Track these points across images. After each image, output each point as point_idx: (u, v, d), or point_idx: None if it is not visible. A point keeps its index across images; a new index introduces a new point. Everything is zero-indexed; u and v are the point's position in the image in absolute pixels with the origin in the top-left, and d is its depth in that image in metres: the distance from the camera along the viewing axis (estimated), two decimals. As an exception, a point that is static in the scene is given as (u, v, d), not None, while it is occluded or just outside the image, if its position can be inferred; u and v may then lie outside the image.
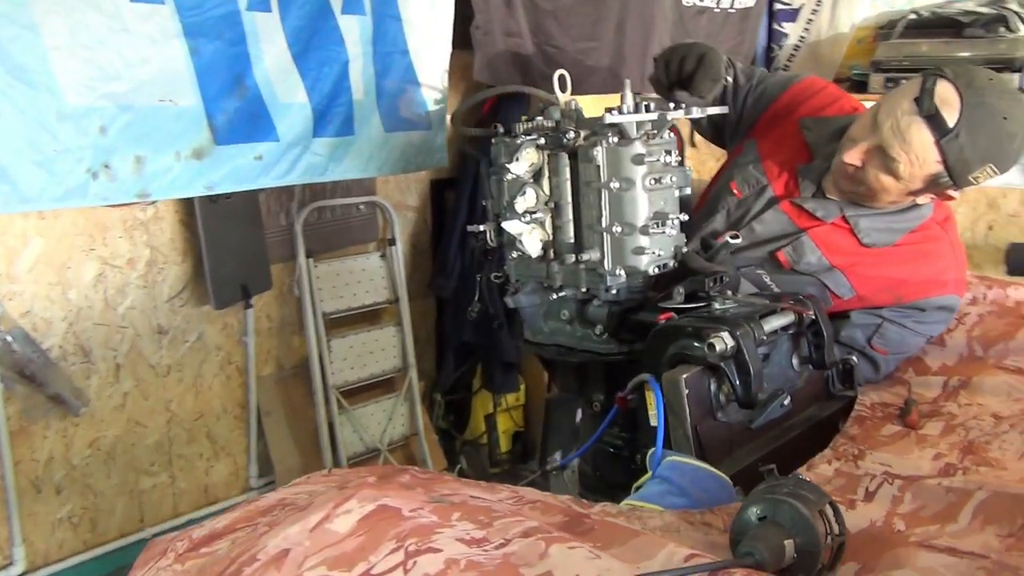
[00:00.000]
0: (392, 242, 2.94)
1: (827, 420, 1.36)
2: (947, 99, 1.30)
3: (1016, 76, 2.67)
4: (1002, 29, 2.72)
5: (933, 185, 1.38)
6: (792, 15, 3.43)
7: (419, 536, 0.68)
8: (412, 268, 3.11)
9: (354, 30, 1.92)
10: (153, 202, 2.23)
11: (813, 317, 1.29)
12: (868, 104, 1.52)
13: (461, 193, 2.92)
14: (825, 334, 1.31)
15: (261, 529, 0.74)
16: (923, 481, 1.06)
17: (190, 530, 0.85)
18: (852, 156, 1.39)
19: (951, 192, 1.42)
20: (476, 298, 1.64)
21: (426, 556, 0.66)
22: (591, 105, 1.49)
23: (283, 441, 2.77)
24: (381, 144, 1.99)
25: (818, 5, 3.37)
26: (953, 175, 1.35)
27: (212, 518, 0.90)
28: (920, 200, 1.45)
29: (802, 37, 3.42)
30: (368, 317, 2.98)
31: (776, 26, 3.47)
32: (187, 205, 2.42)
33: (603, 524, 0.80)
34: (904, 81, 1.47)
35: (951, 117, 1.30)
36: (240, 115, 1.76)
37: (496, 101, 2.66)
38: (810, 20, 3.39)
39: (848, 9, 3.31)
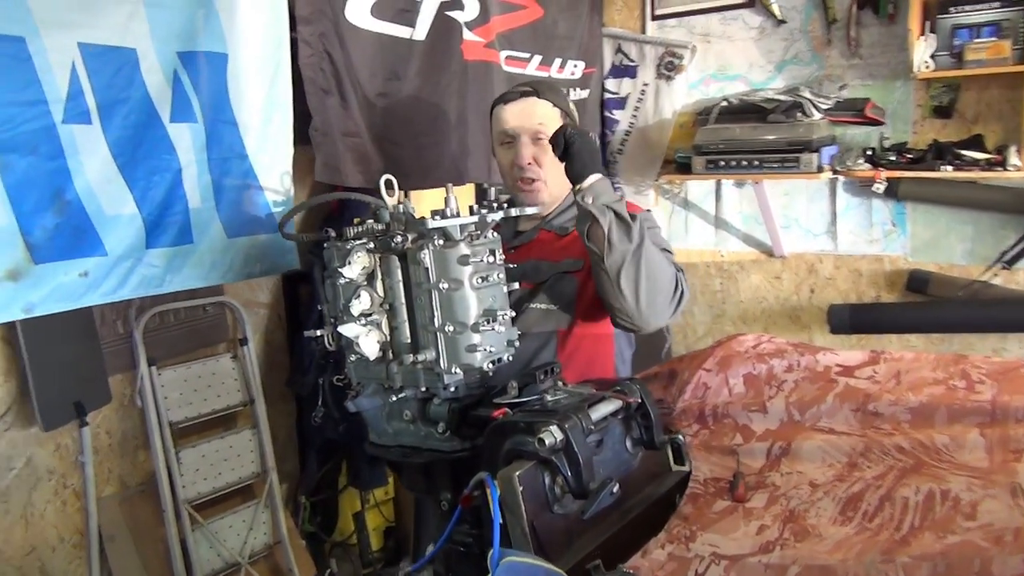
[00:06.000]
0: (244, 342, 2.85)
1: (664, 496, 1.42)
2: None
3: (814, 156, 2.98)
4: (799, 114, 3.03)
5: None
6: (621, 103, 3.69)
7: None
8: (268, 367, 3.02)
9: (185, 137, 1.88)
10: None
11: (639, 401, 1.36)
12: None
13: (316, 286, 2.87)
14: (652, 415, 1.37)
15: None
16: (745, 560, 1.13)
17: None
18: (522, 159, 1.79)
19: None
20: (320, 402, 1.62)
21: None
22: (436, 199, 1.58)
23: (130, 566, 2.56)
24: (224, 250, 1.94)
25: (643, 94, 3.64)
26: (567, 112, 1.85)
27: None
28: None
29: (631, 123, 3.67)
30: (221, 422, 2.85)
31: (607, 113, 3.71)
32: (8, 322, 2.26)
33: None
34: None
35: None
36: (61, 231, 1.68)
37: (343, 200, 2.67)
38: (637, 107, 3.65)
39: (669, 97, 3.59)
